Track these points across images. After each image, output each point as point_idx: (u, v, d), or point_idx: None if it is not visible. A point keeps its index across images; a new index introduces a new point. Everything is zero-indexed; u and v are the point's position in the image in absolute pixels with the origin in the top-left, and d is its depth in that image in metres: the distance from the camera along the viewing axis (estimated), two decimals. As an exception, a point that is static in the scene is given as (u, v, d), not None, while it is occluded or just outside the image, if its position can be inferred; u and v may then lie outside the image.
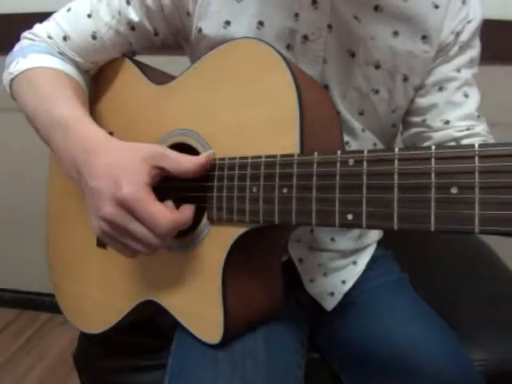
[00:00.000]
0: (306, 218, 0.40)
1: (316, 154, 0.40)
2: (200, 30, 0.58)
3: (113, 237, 0.46)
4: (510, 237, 0.32)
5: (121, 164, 0.45)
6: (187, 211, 0.48)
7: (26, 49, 0.61)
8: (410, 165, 0.33)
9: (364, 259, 0.71)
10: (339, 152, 0.38)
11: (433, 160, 0.32)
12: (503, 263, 0.86)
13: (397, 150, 0.34)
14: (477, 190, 0.30)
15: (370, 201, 0.36)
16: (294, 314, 0.65)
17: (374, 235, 0.73)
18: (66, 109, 0.53)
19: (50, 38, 0.61)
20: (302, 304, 0.67)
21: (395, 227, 0.34)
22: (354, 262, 0.69)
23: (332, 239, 0.65)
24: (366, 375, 0.60)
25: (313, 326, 0.69)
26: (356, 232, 0.68)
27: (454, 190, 0.31)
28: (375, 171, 0.35)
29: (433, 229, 0.32)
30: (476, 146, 0.30)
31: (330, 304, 0.66)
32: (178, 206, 0.62)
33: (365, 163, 0.36)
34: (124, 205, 0.43)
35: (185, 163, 0.47)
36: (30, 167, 1.26)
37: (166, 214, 0.44)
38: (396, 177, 0.34)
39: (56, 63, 0.60)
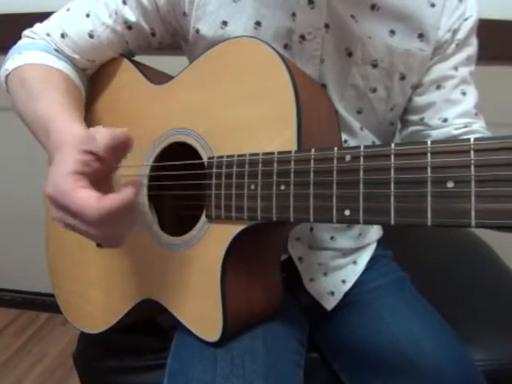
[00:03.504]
0: (303, 214, 0.40)
1: (313, 150, 0.40)
2: (197, 31, 0.58)
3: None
4: (506, 230, 0.32)
5: (56, 158, 0.44)
6: (125, 193, 0.41)
7: (23, 46, 0.62)
8: (407, 160, 0.33)
9: (364, 259, 0.71)
10: (336, 148, 0.38)
11: (429, 155, 0.32)
12: (503, 262, 0.86)
13: (393, 145, 0.34)
14: (473, 184, 0.30)
15: (367, 196, 0.36)
16: (294, 314, 0.65)
17: (374, 234, 0.73)
18: (48, 106, 0.52)
19: (48, 35, 0.62)
20: (301, 303, 0.67)
21: (392, 222, 0.34)
22: (354, 262, 0.69)
23: (332, 238, 0.65)
24: (366, 375, 0.60)
25: (313, 325, 0.68)
26: (356, 231, 0.68)
27: (450, 184, 0.31)
28: (372, 167, 0.36)
29: (429, 223, 0.32)
30: (471, 139, 0.30)
31: (330, 303, 0.66)
32: (177, 206, 0.63)
33: (361, 159, 0.36)
34: (53, 202, 0.42)
35: (109, 135, 0.43)
36: (30, 167, 1.26)
37: (90, 201, 0.40)
38: (392, 172, 0.34)
39: (50, 60, 0.60)
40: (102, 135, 0.42)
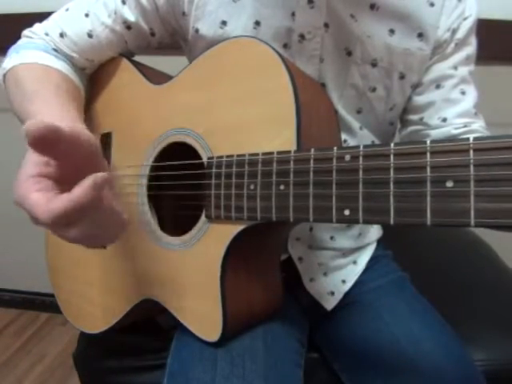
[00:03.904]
0: (303, 214, 0.40)
1: (312, 150, 0.40)
2: (197, 31, 0.58)
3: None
4: (506, 230, 0.32)
5: (24, 161, 0.43)
6: (78, 190, 0.36)
7: (22, 45, 0.62)
8: (406, 159, 0.33)
9: (364, 259, 0.71)
10: (335, 148, 0.38)
11: (428, 154, 0.32)
12: (503, 262, 0.86)
13: (392, 144, 0.34)
14: (472, 183, 0.30)
15: (367, 196, 0.36)
16: (294, 314, 0.65)
17: (374, 234, 0.73)
18: (40, 106, 0.52)
19: (47, 35, 0.62)
20: (301, 303, 0.67)
21: (392, 222, 0.34)
22: (354, 262, 0.69)
23: (332, 238, 0.65)
24: (366, 375, 0.60)
25: (313, 325, 0.68)
26: (355, 231, 0.68)
27: (449, 184, 0.31)
28: (371, 166, 0.35)
29: (429, 223, 0.32)
30: (470, 139, 0.30)
31: (330, 303, 0.66)
32: (177, 206, 0.63)
33: (361, 159, 0.36)
34: (18, 207, 0.40)
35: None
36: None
37: (39, 204, 0.38)
38: (392, 171, 0.34)
39: (48, 60, 0.60)
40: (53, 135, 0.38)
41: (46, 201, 0.37)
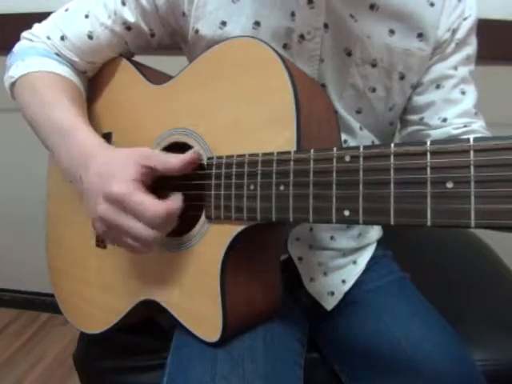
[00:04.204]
0: (303, 214, 0.40)
1: (312, 150, 0.40)
2: (197, 31, 0.58)
3: (110, 234, 0.48)
4: (506, 231, 0.32)
5: (110, 165, 0.48)
6: (177, 199, 0.48)
7: (25, 51, 0.62)
8: (406, 160, 0.33)
9: (364, 259, 0.71)
10: (335, 148, 0.38)
11: (428, 155, 0.32)
12: (503, 262, 0.86)
13: (392, 145, 0.34)
14: (472, 184, 0.30)
15: (367, 197, 0.36)
16: (294, 314, 0.65)
17: (374, 234, 0.73)
18: (63, 115, 0.55)
19: (48, 38, 0.62)
20: (301, 303, 0.67)
21: (392, 222, 0.34)
22: (354, 262, 0.69)
23: (332, 238, 0.65)
24: (366, 375, 0.60)
25: (313, 325, 0.68)
26: (355, 231, 0.68)
27: (449, 185, 0.31)
28: (371, 167, 0.35)
29: (429, 223, 0.32)
30: (471, 140, 0.30)
31: (330, 303, 0.66)
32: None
33: (361, 159, 0.36)
34: (113, 200, 0.45)
35: (171, 160, 0.48)
36: (30, 168, 1.26)
37: (155, 202, 0.45)
38: (392, 172, 0.34)
39: (53, 66, 0.61)
40: (167, 159, 0.48)
41: (156, 201, 0.45)
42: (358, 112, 0.60)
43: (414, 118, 0.63)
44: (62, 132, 0.54)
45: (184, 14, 0.58)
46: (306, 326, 0.67)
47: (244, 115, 0.47)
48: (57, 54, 0.62)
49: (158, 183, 0.58)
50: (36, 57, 0.61)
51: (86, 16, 0.61)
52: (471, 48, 0.61)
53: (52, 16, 0.64)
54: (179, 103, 0.55)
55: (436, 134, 0.61)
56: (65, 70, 0.62)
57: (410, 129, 0.65)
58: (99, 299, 0.65)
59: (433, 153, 0.32)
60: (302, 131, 0.43)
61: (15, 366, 1.32)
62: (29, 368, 1.31)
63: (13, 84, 0.61)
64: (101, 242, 0.64)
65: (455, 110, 0.60)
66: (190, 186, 0.54)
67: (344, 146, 0.60)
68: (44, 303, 1.55)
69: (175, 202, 0.47)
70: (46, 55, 0.61)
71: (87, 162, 0.50)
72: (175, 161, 0.48)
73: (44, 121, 0.56)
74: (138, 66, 0.63)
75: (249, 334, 0.54)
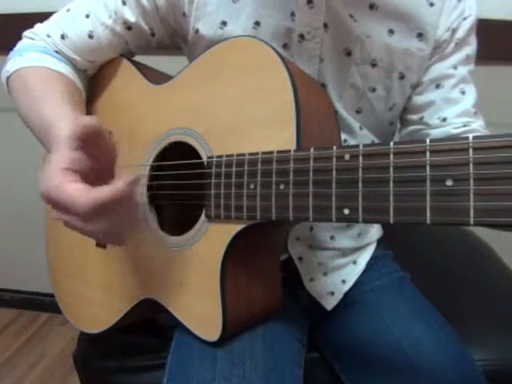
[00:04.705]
0: (303, 213, 0.40)
1: (312, 149, 0.40)
2: (197, 31, 0.58)
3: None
4: (505, 229, 0.32)
5: (51, 156, 0.44)
6: (111, 186, 0.41)
7: (24, 48, 0.62)
8: (405, 158, 0.33)
9: (364, 258, 0.71)
10: (335, 147, 0.38)
11: (427, 153, 0.32)
12: (502, 262, 0.86)
13: (392, 143, 0.34)
14: (471, 182, 0.30)
15: (366, 195, 0.36)
16: (294, 313, 0.65)
17: (374, 234, 0.73)
18: (53, 110, 0.53)
19: (48, 36, 0.62)
20: (301, 303, 0.67)
21: (391, 221, 0.34)
22: (354, 262, 0.69)
23: (332, 237, 0.65)
24: (366, 375, 0.60)
25: (313, 325, 0.68)
26: (355, 230, 0.68)
27: (448, 183, 0.31)
28: (371, 165, 0.35)
29: (428, 221, 0.32)
30: (470, 138, 0.30)
31: (330, 303, 0.66)
32: (177, 206, 0.63)
33: (360, 158, 0.36)
34: (45, 198, 0.42)
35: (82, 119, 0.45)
36: (30, 167, 1.26)
37: (78, 194, 0.40)
38: (391, 170, 0.34)
39: (50, 62, 0.61)
40: (79, 130, 0.44)
41: (84, 191, 0.40)
42: (358, 112, 0.60)
43: (414, 117, 0.63)
44: (48, 125, 0.51)
45: (184, 14, 0.58)
46: (305, 325, 0.67)
47: (244, 115, 0.48)
48: (56, 52, 0.62)
49: (155, 186, 0.59)
50: (35, 53, 0.61)
51: (87, 16, 0.61)
52: (471, 48, 0.61)
53: (53, 16, 0.64)
54: (179, 103, 0.55)
55: (436, 133, 0.61)
56: (63, 67, 0.62)
57: (410, 128, 0.65)
58: (99, 299, 0.65)
59: (432, 151, 0.32)
60: (302, 131, 0.43)
61: (15, 366, 1.32)
62: (29, 368, 1.31)
63: (8, 79, 0.61)
64: (101, 242, 0.65)
65: (455, 109, 0.60)
66: (189, 186, 0.54)
67: (344, 145, 0.60)
68: (44, 303, 1.55)
69: (107, 188, 0.40)
70: (44, 52, 0.61)
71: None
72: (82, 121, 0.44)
73: (36, 116, 0.55)
74: (138, 66, 0.63)
75: (249, 333, 0.53)
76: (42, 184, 0.42)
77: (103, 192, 0.40)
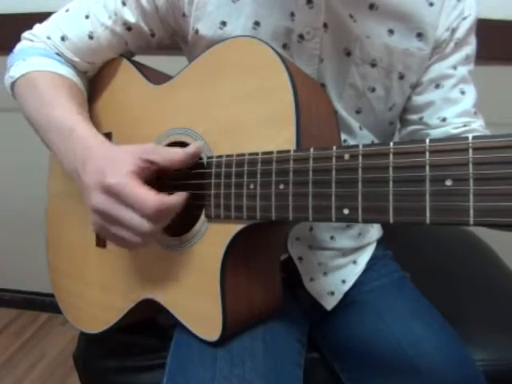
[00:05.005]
0: (302, 213, 0.40)
1: (312, 149, 0.40)
2: (197, 31, 0.58)
3: (105, 228, 0.47)
4: (505, 229, 0.32)
5: (109, 158, 0.48)
6: (178, 195, 0.48)
7: (26, 51, 0.62)
8: (405, 158, 0.33)
9: (364, 258, 0.71)
10: (335, 147, 0.38)
11: (427, 153, 0.32)
12: (503, 262, 0.86)
13: (392, 143, 0.34)
14: (471, 182, 0.30)
15: (366, 195, 0.36)
16: (294, 313, 0.65)
17: (374, 234, 0.73)
18: (63, 114, 0.55)
19: (48, 38, 0.62)
20: (301, 303, 0.67)
21: (391, 220, 0.34)
22: (354, 262, 0.69)
23: (331, 237, 0.65)
24: (366, 375, 0.60)
25: (313, 325, 0.68)
26: (355, 230, 0.68)
27: (448, 183, 0.31)
28: (370, 165, 0.35)
29: (428, 221, 0.32)
30: (470, 138, 0.30)
31: (330, 303, 0.66)
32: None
33: (360, 157, 0.36)
34: (109, 191, 0.45)
35: (172, 153, 0.49)
36: (30, 167, 1.26)
37: (151, 194, 0.44)
38: (391, 170, 0.34)
39: (53, 66, 0.61)
40: (167, 152, 0.49)
41: (155, 193, 0.45)
42: (358, 112, 0.60)
43: (414, 117, 0.63)
44: (62, 130, 0.54)
45: (184, 14, 0.58)
46: (305, 325, 0.67)
47: (244, 115, 0.48)
48: (57, 54, 0.63)
49: (159, 184, 0.59)
50: (37, 57, 0.61)
51: (87, 16, 0.61)
52: (470, 48, 0.61)
53: (53, 17, 0.64)
54: (179, 103, 0.55)
55: (436, 133, 0.61)
56: (65, 70, 0.62)
57: (410, 128, 0.65)
58: (99, 299, 0.65)
59: (432, 151, 0.32)
60: (302, 131, 0.43)
61: (15, 366, 1.32)
62: (29, 368, 1.31)
63: (13, 84, 0.61)
64: (101, 242, 0.65)
65: (455, 109, 0.60)
66: (189, 186, 0.54)
67: (343, 145, 0.60)
68: (44, 303, 1.55)
69: (174, 196, 0.47)
70: (46, 55, 0.62)
71: (86, 156, 0.50)
72: (177, 153, 0.48)
73: (44, 120, 0.56)
74: (138, 66, 0.63)
75: (249, 333, 0.53)
76: (111, 177, 0.45)
77: (171, 199, 0.46)
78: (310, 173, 0.40)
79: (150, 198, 0.44)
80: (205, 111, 0.52)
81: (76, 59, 0.63)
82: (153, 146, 0.50)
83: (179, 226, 0.55)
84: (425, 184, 0.32)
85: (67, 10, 0.63)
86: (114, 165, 0.46)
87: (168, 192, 0.60)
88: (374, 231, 0.73)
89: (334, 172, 0.38)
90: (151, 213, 0.44)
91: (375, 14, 0.54)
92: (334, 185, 0.38)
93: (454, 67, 0.60)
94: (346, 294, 0.67)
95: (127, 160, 0.46)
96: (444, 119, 0.61)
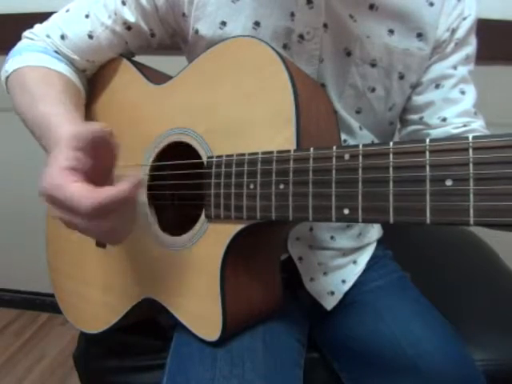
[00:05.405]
0: (302, 213, 0.40)
1: (312, 149, 0.40)
2: (197, 31, 0.58)
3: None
4: (505, 229, 0.32)
5: (51, 157, 0.44)
6: (118, 186, 0.42)
7: (23, 48, 0.62)
8: (405, 158, 0.33)
9: (364, 258, 0.71)
10: (335, 147, 0.38)
11: (427, 153, 0.32)
12: (503, 262, 0.86)
13: (392, 143, 0.34)
14: (471, 182, 0.30)
15: (366, 195, 0.36)
16: (294, 313, 0.65)
17: (374, 234, 0.73)
18: (49, 108, 0.53)
19: (48, 37, 0.62)
20: (301, 303, 0.67)
21: (391, 221, 0.34)
22: (354, 262, 0.69)
23: (332, 237, 0.65)
24: (366, 375, 0.60)
25: (313, 325, 0.68)
26: (355, 230, 0.68)
27: (448, 183, 0.31)
28: (371, 165, 0.36)
29: (428, 221, 0.32)
30: (470, 137, 0.30)
31: (330, 303, 0.66)
32: (177, 206, 0.63)
33: (360, 157, 0.36)
34: (47, 198, 0.42)
35: (95, 126, 0.45)
36: (30, 167, 1.26)
37: (84, 193, 0.40)
38: (391, 170, 0.34)
39: (50, 62, 0.61)
40: (85, 132, 0.44)
41: (87, 191, 0.40)
42: (358, 112, 0.60)
43: (414, 117, 0.63)
44: (45, 123, 0.51)
45: (184, 14, 0.58)
46: (305, 325, 0.67)
47: (244, 115, 0.48)
48: (56, 52, 0.63)
49: (155, 186, 0.59)
50: (34, 53, 0.61)
51: (87, 16, 0.61)
52: (470, 48, 0.61)
53: (53, 16, 0.64)
54: (179, 103, 0.55)
55: (436, 133, 0.61)
56: (63, 68, 0.62)
57: (410, 128, 0.65)
58: (99, 299, 0.65)
59: (432, 151, 0.32)
60: (302, 131, 0.43)
61: (15, 366, 1.32)
62: (29, 368, 1.31)
63: (7, 78, 0.61)
64: (101, 242, 0.65)
65: (455, 109, 0.60)
66: (189, 186, 0.54)
67: (343, 145, 0.60)
68: (44, 303, 1.55)
69: (112, 188, 0.41)
70: (44, 52, 0.61)
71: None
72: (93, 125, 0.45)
73: (30, 112, 0.55)
74: (138, 66, 0.63)
75: (249, 333, 0.53)
76: (42, 183, 0.42)
77: (107, 193, 0.40)
78: (310, 173, 0.40)
79: (83, 198, 0.40)
80: (205, 111, 0.52)
81: (75, 57, 0.63)
82: (76, 129, 0.44)
83: (179, 225, 0.55)
84: (425, 184, 0.32)
85: (67, 10, 0.63)
86: (50, 164, 0.43)
87: (165, 192, 0.60)
88: (374, 231, 0.73)
89: (334, 172, 0.38)
90: (88, 212, 0.40)
91: (375, 14, 0.54)
92: (334, 185, 0.38)
93: (454, 67, 0.60)
94: (346, 294, 0.67)
95: (59, 155, 0.43)
96: (444, 119, 0.61)
